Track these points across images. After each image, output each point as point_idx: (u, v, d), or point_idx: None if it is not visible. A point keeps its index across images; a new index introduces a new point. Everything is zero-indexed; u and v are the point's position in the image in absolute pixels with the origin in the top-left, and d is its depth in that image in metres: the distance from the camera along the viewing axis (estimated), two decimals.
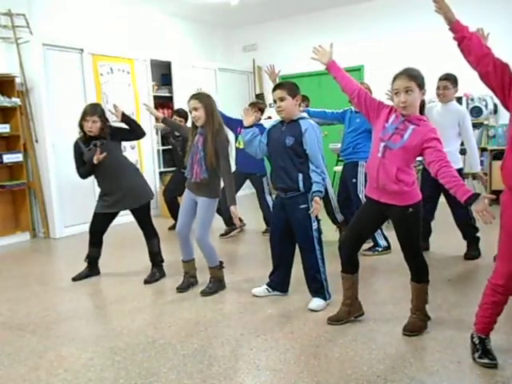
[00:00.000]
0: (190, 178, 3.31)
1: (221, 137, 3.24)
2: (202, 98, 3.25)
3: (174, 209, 5.36)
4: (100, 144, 3.62)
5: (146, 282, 3.72)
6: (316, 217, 3.04)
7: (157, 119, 4.08)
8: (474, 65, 2.11)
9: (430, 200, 4.00)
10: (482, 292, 2.30)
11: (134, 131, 3.73)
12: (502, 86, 2.05)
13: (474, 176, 6.32)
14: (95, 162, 3.58)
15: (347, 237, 2.75)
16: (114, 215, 3.84)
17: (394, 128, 2.47)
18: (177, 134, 5.32)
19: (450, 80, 3.89)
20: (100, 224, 3.84)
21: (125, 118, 3.69)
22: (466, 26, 2.13)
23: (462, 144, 4.03)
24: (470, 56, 2.11)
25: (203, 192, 3.30)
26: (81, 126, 3.62)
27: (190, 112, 3.27)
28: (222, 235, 5.18)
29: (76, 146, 3.71)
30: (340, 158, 6.28)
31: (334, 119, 4.45)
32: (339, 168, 6.67)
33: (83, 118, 3.58)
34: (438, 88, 3.93)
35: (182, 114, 5.33)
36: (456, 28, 2.13)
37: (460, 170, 3.94)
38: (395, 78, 2.46)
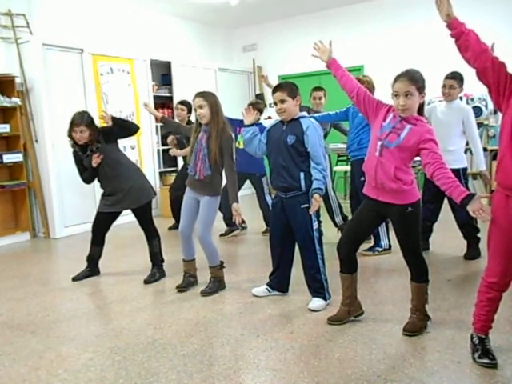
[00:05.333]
0: (194, 174, 3.31)
1: (226, 134, 3.25)
2: (207, 96, 3.25)
3: (177, 208, 5.34)
4: (96, 148, 3.65)
5: (146, 282, 3.72)
6: (317, 218, 3.05)
7: (156, 119, 4.09)
8: (471, 61, 2.11)
9: (434, 201, 3.99)
10: (477, 290, 2.31)
11: (127, 128, 3.76)
12: (498, 84, 2.06)
13: (475, 176, 6.37)
14: (94, 165, 3.62)
15: (346, 236, 2.75)
16: (116, 215, 3.85)
17: (391, 127, 2.48)
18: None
19: (456, 79, 3.86)
20: (102, 223, 3.85)
21: (115, 121, 3.71)
22: (463, 22, 2.14)
23: (468, 143, 4.02)
24: (468, 52, 2.11)
25: (206, 190, 3.30)
26: (70, 136, 3.64)
27: (195, 110, 3.28)
28: (222, 235, 5.18)
29: (75, 154, 3.75)
30: (347, 156, 6.29)
31: (339, 119, 4.47)
32: (339, 168, 6.71)
33: (71, 129, 3.60)
34: (444, 86, 3.89)
35: (185, 103, 5.27)
36: (454, 24, 2.13)
37: (464, 170, 3.94)
38: (396, 80, 2.46)
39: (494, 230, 2.19)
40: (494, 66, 2.05)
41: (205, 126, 3.28)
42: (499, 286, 2.20)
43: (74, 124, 3.57)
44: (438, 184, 2.30)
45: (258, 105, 4.68)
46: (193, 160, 3.32)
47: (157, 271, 3.82)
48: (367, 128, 3.98)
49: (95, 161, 3.61)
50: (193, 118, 4.21)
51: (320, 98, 4.82)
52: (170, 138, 5.26)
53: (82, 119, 3.58)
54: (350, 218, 4.68)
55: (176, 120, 5.51)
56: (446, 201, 3.90)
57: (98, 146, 3.65)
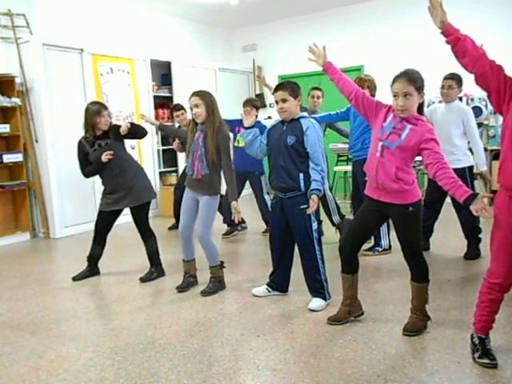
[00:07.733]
0: (192, 174, 3.32)
1: (222, 133, 3.25)
2: (203, 95, 3.26)
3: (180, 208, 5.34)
4: (104, 144, 3.64)
5: (142, 279, 3.74)
6: (317, 218, 3.05)
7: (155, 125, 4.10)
8: (469, 66, 2.11)
9: (435, 201, 3.99)
10: (479, 291, 2.31)
11: (138, 134, 3.80)
12: (498, 87, 2.05)
13: (475, 176, 6.35)
14: (104, 160, 3.61)
15: (347, 237, 2.75)
16: (117, 213, 3.85)
17: (392, 127, 2.48)
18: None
19: (454, 79, 3.86)
20: (104, 222, 3.85)
21: (132, 128, 3.68)
22: (457, 28, 2.13)
23: (469, 143, 4.01)
24: (465, 58, 2.10)
25: (204, 190, 3.31)
26: (92, 126, 3.63)
27: (191, 109, 3.28)
28: (224, 235, 5.18)
29: (80, 145, 3.73)
30: (347, 156, 6.29)
31: (340, 119, 4.46)
32: (339, 168, 6.70)
33: (98, 114, 3.60)
34: (443, 87, 3.90)
35: (179, 107, 5.29)
36: (449, 31, 2.13)
37: (470, 168, 3.93)
38: (394, 80, 2.46)
39: (497, 231, 2.19)
40: (492, 70, 2.04)
41: (201, 125, 3.28)
42: (502, 287, 2.20)
43: (101, 108, 3.62)
44: (440, 184, 2.30)
45: (253, 102, 4.68)
46: (190, 160, 3.32)
47: (154, 270, 3.82)
48: (370, 127, 3.97)
49: (106, 157, 3.61)
50: None
51: (318, 98, 4.81)
52: (175, 144, 5.26)
53: (102, 104, 3.68)
54: (347, 216, 4.70)
55: (177, 125, 5.53)
56: (447, 200, 3.90)
57: (107, 141, 3.66)
